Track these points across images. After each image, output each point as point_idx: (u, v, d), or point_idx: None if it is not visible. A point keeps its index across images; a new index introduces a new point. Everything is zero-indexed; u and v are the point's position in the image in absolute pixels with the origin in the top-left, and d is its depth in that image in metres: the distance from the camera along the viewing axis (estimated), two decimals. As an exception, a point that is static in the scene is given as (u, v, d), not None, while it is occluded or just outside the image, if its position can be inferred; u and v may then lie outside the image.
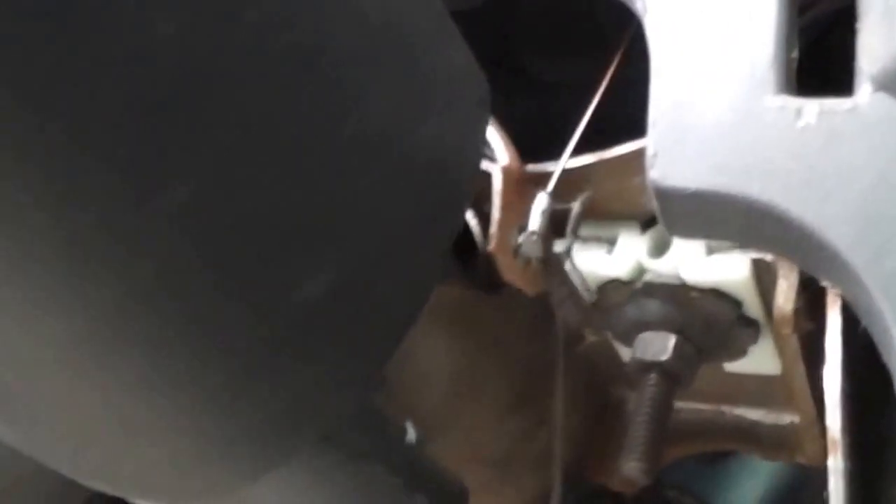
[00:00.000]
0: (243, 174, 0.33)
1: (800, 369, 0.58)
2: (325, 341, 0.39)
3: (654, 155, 0.45)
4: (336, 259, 0.37)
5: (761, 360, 0.61)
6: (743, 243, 0.48)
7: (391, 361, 0.53)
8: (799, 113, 0.43)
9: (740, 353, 0.60)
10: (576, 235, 0.57)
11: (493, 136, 0.58)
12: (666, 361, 0.57)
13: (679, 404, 0.71)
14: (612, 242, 0.58)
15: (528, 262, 0.57)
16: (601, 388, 0.70)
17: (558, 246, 0.58)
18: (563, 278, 0.60)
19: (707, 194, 0.44)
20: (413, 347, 0.56)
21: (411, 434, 0.49)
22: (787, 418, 0.68)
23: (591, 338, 0.66)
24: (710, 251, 0.56)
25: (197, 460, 0.42)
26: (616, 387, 0.71)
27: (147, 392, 0.38)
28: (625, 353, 0.65)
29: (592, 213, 0.59)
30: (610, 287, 0.59)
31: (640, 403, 0.57)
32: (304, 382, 0.39)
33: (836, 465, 0.40)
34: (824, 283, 0.44)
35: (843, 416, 0.40)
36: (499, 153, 0.58)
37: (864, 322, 0.42)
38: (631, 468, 0.54)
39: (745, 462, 1.40)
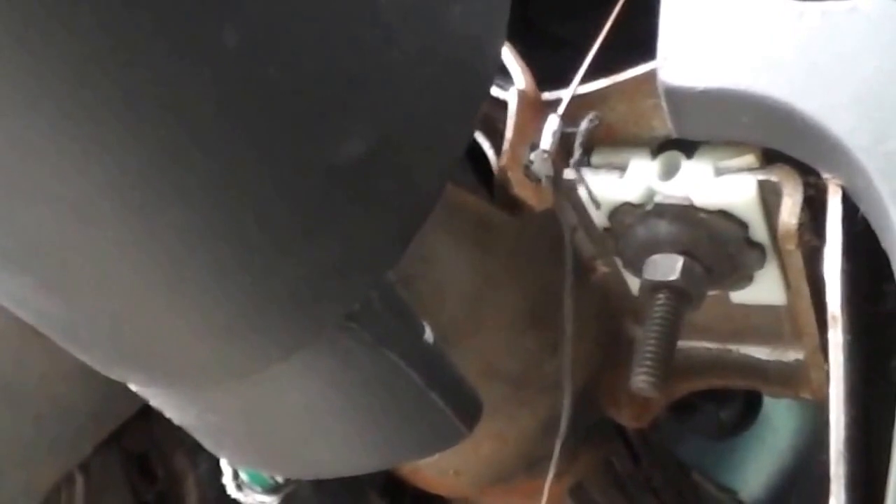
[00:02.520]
0: (289, 26, 0.36)
1: (804, 292, 0.61)
2: (361, 205, 0.42)
3: (665, 58, 0.49)
4: (374, 122, 0.40)
5: (767, 287, 0.63)
6: (750, 139, 0.51)
7: (414, 265, 0.57)
8: (802, 14, 0.46)
9: (746, 279, 0.63)
10: (585, 154, 0.60)
11: (511, 60, 0.61)
12: (675, 281, 0.60)
13: (687, 343, 0.74)
14: (623, 169, 0.61)
15: (538, 181, 0.60)
16: (612, 322, 0.72)
17: (569, 173, 0.61)
18: (575, 204, 0.64)
19: (715, 92, 0.47)
20: (436, 254, 0.59)
21: (429, 334, 0.52)
22: (793, 356, 0.71)
23: (602, 269, 0.69)
24: (718, 173, 0.59)
25: (231, 334, 0.45)
26: (626, 322, 0.73)
27: (187, 253, 0.41)
28: (634, 286, 0.68)
29: (605, 140, 0.62)
30: (621, 211, 0.62)
31: (649, 322, 0.59)
32: (339, 247, 0.42)
33: (835, 338, 0.42)
34: (825, 175, 0.47)
35: (843, 294, 0.43)
36: (516, 77, 0.61)
37: (863, 208, 0.45)
38: (640, 381, 0.57)
39: (755, 441, 1.43)
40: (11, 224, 0.39)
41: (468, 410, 0.54)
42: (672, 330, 0.59)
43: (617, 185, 0.61)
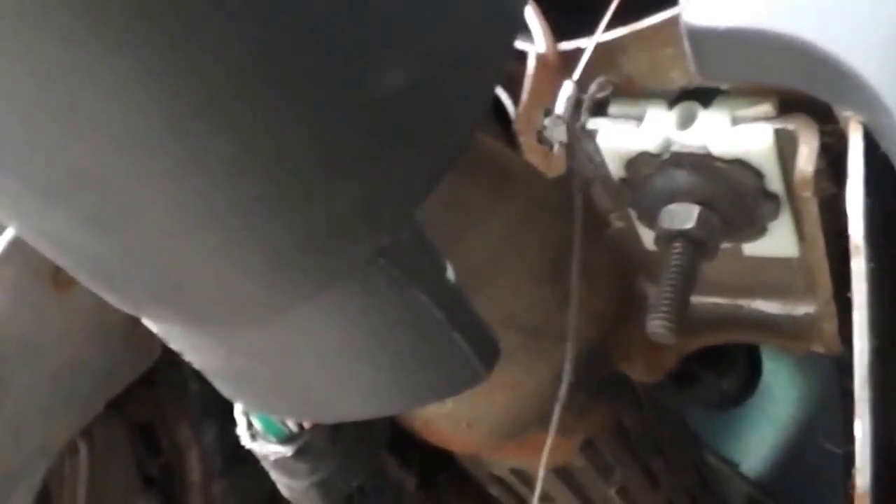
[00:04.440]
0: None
1: (818, 242, 0.62)
2: (399, 139, 0.43)
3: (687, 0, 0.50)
4: (415, 55, 0.41)
5: (780, 239, 0.65)
6: (773, 80, 0.52)
7: (439, 209, 0.58)
8: (825, -46, 0.47)
9: (760, 230, 0.64)
10: (596, 113, 0.61)
11: (534, 20, 0.62)
12: (691, 229, 0.61)
13: (699, 299, 0.75)
14: (640, 119, 0.63)
15: (550, 146, 0.61)
16: (625, 278, 0.74)
17: (589, 123, 0.62)
18: (591, 156, 0.65)
19: (738, 32, 0.48)
20: (460, 199, 0.60)
21: (451, 273, 0.53)
22: (803, 309, 0.72)
23: (616, 224, 0.70)
24: (735, 122, 0.60)
25: (268, 267, 0.46)
26: (639, 279, 0.75)
27: (230, 185, 0.42)
28: (648, 241, 0.69)
29: (623, 91, 0.63)
30: (638, 161, 0.63)
31: (665, 269, 0.61)
32: (376, 180, 0.43)
33: (858, 266, 0.44)
34: (847, 113, 0.48)
35: (866, 226, 0.44)
36: (536, 38, 0.62)
37: (884, 145, 0.46)
38: (655, 325, 0.58)
39: (756, 412, 1.45)
40: (56, 155, 0.40)
41: (487, 352, 0.55)
42: (687, 278, 0.60)
43: (634, 134, 0.62)
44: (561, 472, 0.81)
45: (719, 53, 0.49)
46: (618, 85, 0.63)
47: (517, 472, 0.81)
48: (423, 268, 0.50)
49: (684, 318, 0.59)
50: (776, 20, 0.47)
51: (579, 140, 0.58)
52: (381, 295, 0.49)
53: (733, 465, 1.31)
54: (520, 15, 0.46)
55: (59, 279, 0.76)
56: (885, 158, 0.46)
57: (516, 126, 0.58)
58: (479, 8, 0.43)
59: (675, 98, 0.63)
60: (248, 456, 1.07)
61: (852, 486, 0.42)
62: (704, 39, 0.49)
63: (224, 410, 1.08)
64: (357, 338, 0.51)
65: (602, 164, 0.64)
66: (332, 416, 0.61)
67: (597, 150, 0.63)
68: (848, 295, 0.48)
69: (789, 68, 0.48)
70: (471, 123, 0.46)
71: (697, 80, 0.62)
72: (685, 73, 0.62)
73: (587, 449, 0.80)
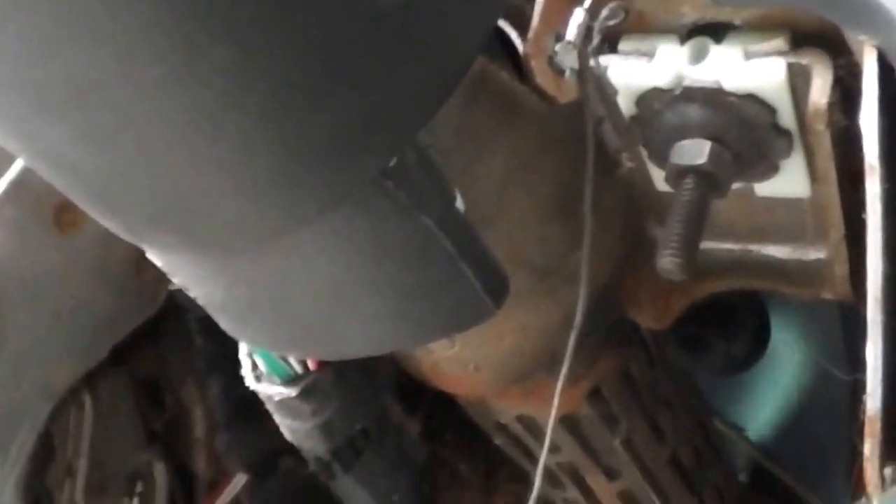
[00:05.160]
0: None
1: (831, 178, 0.62)
2: (404, 52, 0.42)
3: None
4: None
5: (792, 178, 0.64)
6: (787, 2, 0.51)
7: (447, 137, 0.57)
8: None
9: (772, 168, 0.63)
10: (607, 43, 0.60)
11: None
12: (703, 165, 0.60)
13: (708, 244, 0.75)
14: (651, 55, 0.62)
15: (561, 72, 0.60)
16: (636, 221, 0.73)
17: (601, 59, 0.61)
18: (603, 94, 0.64)
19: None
20: (468, 129, 0.59)
21: (460, 203, 0.52)
22: (814, 255, 0.71)
23: (627, 164, 0.69)
24: (748, 56, 0.59)
25: (271, 185, 0.45)
26: (649, 222, 0.74)
27: (231, 97, 0.41)
28: (659, 182, 0.69)
29: (634, 28, 0.62)
30: (649, 96, 0.62)
31: (676, 206, 0.60)
32: (380, 94, 0.43)
33: (873, 188, 0.43)
34: (862, 37, 0.47)
35: (880, 146, 0.43)
36: None
37: (902, 66, 0.45)
38: (665, 262, 0.57)
39: (762, 377, 1.44)
40: (54, 67, 0.40)
41: (496, 287, 0.54)
42: (699, 214, 0.60)
43: (645, 70, 0.61)
44: (567, 421, 0.80)
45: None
46: (629, 21, 0.62)
47: (523, 420, 0.81)
48: (430, 194, 0.50)
49: (695, 256, 0.58)
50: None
51: (590, 68, 0.57)
52: (387, 220, 0.49)
53: (739, 430, 1.31)
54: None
55: (61, 220, 0.75)
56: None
57: (526, 50, 0.57)
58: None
59: (686, 33, 0.62)
60: (252, 411, 1.07)
61: (863, 411, 0.42)
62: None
63: (229, 365, 1.08)
64: (361, 266, 0.51)
65: (614, 99, 0.63)
66: (335, 352, 0.60)
67: (608, 83, 0.62)
68: (859, 236, 0.48)
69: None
70: (476, 45, 0.45)
71: (709, 15, 0.61)
72: (696, 8, 0.61)
73: (594, 398, 0.80)
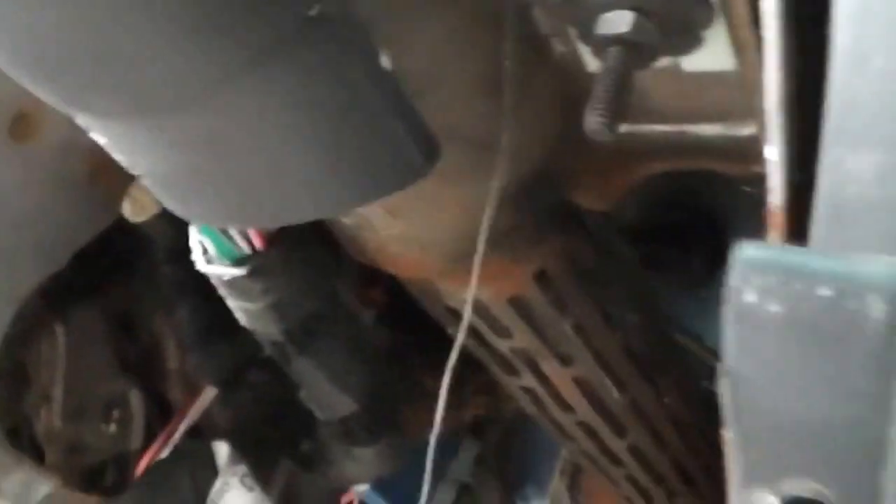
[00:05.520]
0: None
1: (753, 47, 0.64)
2: None
3: None
4: None
5: (717, 50, 0.66)
6: None
7: (379, 3, 0.59)
8: None
9: (697, 39, 0.66)
10: None
11: None
12: (627, 33, 0.62)
13: (644, 127, 0.77)
14: (572, -71, 0.64)
15: None
16: (572, 108, 0.75)
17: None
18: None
19: None
20: None
21: (386, 61, 0.54)
22: (745, 131, 0.74)
23: (559, 48, 0.72)
24: (667, -76, 0.61)
25: (196, 35, 0.47)
26: (585, 108, 0.76)
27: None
28: (591, 65, 0.71)
29: None
30: (573, -29, 0.64)
31: (602, 72, 0.62)
32: None
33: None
34: None
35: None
36: None
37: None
38: (591, 122, 0.60)
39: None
40: None
41: (427, 146, 0.57)
42: (623, 80, 0.62)
43: (567, -56, 0.63)
44: (515, 303, 0.83)
45: None
46: None
47: (474, 304, 0.83)
48: (355, 47, 0.52)
49: (619, 117, 0.61)
50: None
51: None
52: (315, 73, 0.51)
53: (698, 339, 1.34)
54: None
55: (16, 130, 0.77)
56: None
57: None
58: None
59: None
60: (218, 329, 1.10)
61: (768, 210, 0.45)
62: None
63: (195, 290, 1.10)
64: (293, 124, 0.53)
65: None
66: (275, 218, 0.62)
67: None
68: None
69: None
70: None
71: None
72: None
73: (541, 280, 0.82)
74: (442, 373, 1.21)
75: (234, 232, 0.69)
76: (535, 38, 0.70)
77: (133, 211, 0.97)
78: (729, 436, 0.40)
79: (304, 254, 0.72)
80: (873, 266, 0.31)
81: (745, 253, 0.38)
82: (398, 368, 1.02)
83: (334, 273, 0.77)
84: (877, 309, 0.31)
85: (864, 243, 0.39)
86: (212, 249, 0.69)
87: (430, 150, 0.57)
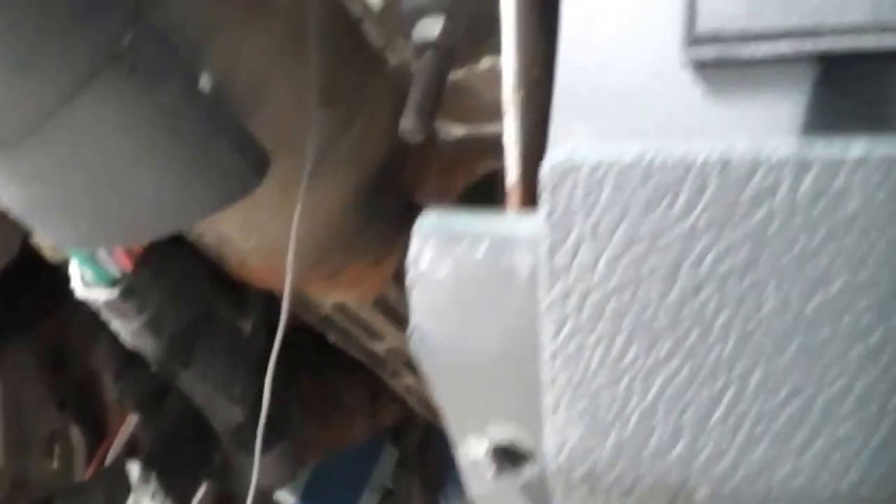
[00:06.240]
0: None
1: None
2: None
3: None
4: None
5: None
6: None
7: (203, 31, 0.64)
8: None
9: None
10: None
11: None
12: (437, 38, 0.68)
13: (479, 127, 0.83)
14: (379, -51, 0.70)
15: None
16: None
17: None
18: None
19: None
20: (221, 24, 0.66)
21: (205, 82, 0.59)
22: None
23: (392, 59, 0.78)
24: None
25: (12, 68, 0.52)
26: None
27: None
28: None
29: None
30: (387, -14, 0.70)
31: (415, 77, 0.68)
32: None
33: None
34: None
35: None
36: None
37: None
38: (405, 124, 0.66)
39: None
40: None
41: (255, 160, 0.62)
42: (435, 84, 0.68)
43: (377, -39, 0.69)
44: (380, 305, 0.88)
45: None
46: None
47: (341, 309, 0.89)
48: (171, 73, 0.57)
49: (430, 120, 0.67)
50: None
51: None
52: (131, 100, 0.56)
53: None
54: None
55: None
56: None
57: None
58: None
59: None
60: (137, 357, 1.14)
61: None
62: None
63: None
64: (119, 147, 0.58)
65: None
66: (124, 237, 0.68)
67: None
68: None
69: None
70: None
71: None
72: None
73: (401, 279, 0.87)
74: (360, 387, 1.26)
75: (105, 256, 0.75)
76: (369, 50, 0.76)
77: (50, 252, 1.02)
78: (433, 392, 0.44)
79: (175, 271, 0.77)
80: (522, 225, 0.37)
81: (422, 223, 0.43)
82: (282, 375, 1.07)
83: (208, 287, 0.82)
84: (523, 263, 0.36)
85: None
86: (88, 275, 0.75)
87: (258, 164, 0.63)
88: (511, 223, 0.38)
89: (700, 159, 0.30)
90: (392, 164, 0.79)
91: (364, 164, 0.76)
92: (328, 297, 0.86)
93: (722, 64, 0.44)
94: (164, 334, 0.78)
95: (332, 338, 0.92)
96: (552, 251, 0.33)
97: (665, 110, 0.45)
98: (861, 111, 0.44)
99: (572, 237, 0.32)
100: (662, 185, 0.31)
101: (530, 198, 0.50)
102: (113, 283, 0.74)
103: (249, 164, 0.63)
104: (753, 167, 0.30)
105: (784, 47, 0.43)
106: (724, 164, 0.30)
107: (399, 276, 0.87)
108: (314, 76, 0.66)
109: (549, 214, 0.33)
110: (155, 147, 0.60)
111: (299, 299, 0.87)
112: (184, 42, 0.60)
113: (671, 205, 0.31)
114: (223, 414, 0.86)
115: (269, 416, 0.85)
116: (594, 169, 0.32)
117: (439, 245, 0.39)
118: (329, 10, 0.72)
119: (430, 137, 0.82)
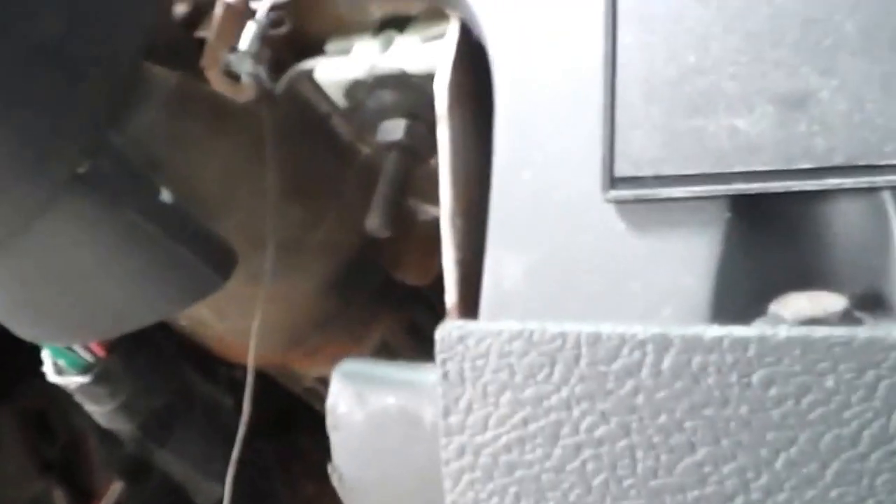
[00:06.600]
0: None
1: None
2: (65, 75, 0.55)
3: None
4: (54, 9, 0.53)
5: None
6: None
7: (166, 145, 0.69)
8: None
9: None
10: (267, 44, 0.71)
11: None
12: (401, 139, 0.73)
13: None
14: (350, 51, 0.75)
15: (237, 78, 0.71)
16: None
17: (307, 63, 0.75)
18: (322, 95, 0.77)
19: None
20: (183, 137, 0.72)
21: (167, 195, 0.65)
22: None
23: (364, 150, 0.82)
24: (425, 41, 0.72)
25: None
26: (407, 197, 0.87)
27: None
28: (394, 161, 0.82)
29: (337, 30, 0.75)
30: (353, 88, 0.75)
31: (382, 175, 0.73)
32: (51, 113, 0.55)
33: (443, 132, 0.56)
34: (450, 12, 0.61)
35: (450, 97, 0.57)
36: None
37: (476, 32, 0.59)
38: (371, 221, 0.71)
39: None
40: None
41: (221, 260, 0.67)
42: (399, 181, 0.73)
43: (344, 65, 0.74)
44: None
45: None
46: (329, 24, 0.75)
47: (323, 381, 0.93)
48: (130, 191, 0.62)
49: (393, 216, 0.72)
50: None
51: (261, 66, 0.70)
52: (91, 219, 0.61)
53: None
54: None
55: None
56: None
57: (202, 63, 0.69)
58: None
59: (378, 28, 0.75)
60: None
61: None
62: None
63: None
64: (85, 258, 0.63)
65: (330, 98, 0.76)
66: (90, 334, 0.73)
67: (315, 85, 0.75)
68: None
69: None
70: (134, 56, 0.58)
71: (392, 10, 0.74)
72: (381, 5, 0.74)
73: (383, 351, 0.91)
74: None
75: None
76: (339, 144, 0.81)
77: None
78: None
79: (148, 354, 0.82)
80: (428, 377, 0.41)
81: (340, 368, 0.48)
82: (258, 450, 1.10)
83: (186, 365, 0.87)
84: (428, 412, 0.40)
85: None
86: (61, 362, 0.79)
87: (223, 265, 0.68)
88: (419, 374, 0.43)
89: (573, 335, 0.34)
90: (367, 249, 0.83)
91: (337, 253, 0.80)
92: (309, 371, 0.91)
93: (641, 201, 0.49)
94: (138, 416, 0.82)
95: (318, 407, 0.97)
96: (447, 411, 0.37)
97: (589, 244, 0.50)
98: (771, 244, 0.49)
99: (464, 399, 0.36)
100: (541, 356, 0.35)
101: (469, 319, 0.55)
102: (85, 369, 0.79)
103: (214, 266, 0.67)
104: (620, 343, 0.34)
105: (698, 189, 0.48)
106: (595, 340, 0.34)
107: (382, 348, 0.91)
108: (271, 185, 0.71)
109: (444, 378, 0.37)
110: (118, 256, 0.64)
111: (282, 372, 0.91)
112: (146, 159, 0.65)
113: (549, 375, 0.35)
114: (203, 490, 0.91)
115: (254, 490, 0.89)
116: (480, 340, 0.36)
117: (355, 392, 0.44)
118: (294, 111, 0.77)
119: (409, 220, 0.87)
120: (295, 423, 1.01)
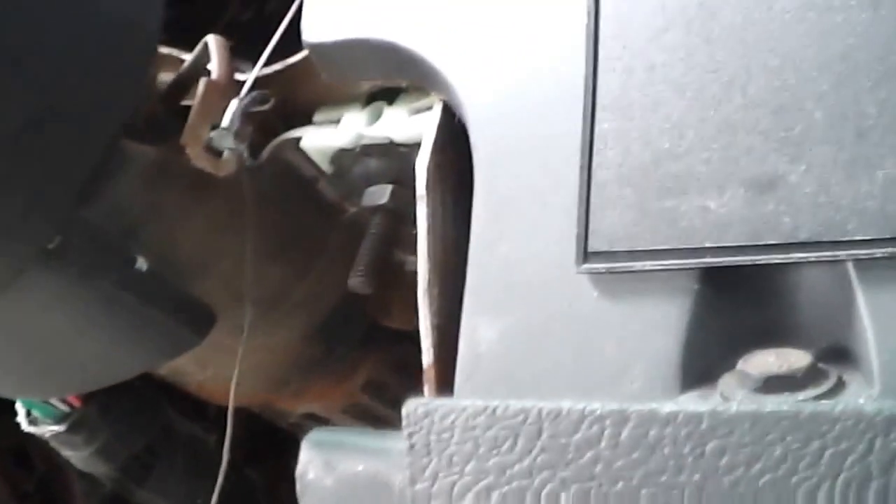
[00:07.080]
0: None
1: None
2: (35, 161, 0.57)
3: (308, 22, 0.66)
4: (34, 97, 0.56)
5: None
6: (382, 77, 0.68)
7: (144, 213, 0.72)
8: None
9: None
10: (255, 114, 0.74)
11: (215, 51, 0.75)
12: (386, 203, 0.76)
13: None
14: (338, 121, 0.78)
15: (219, 154, 0.73)
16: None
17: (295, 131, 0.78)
18: (308, 161, 0.80)
19: (346, 43, 0.64)
20: (161, 205, 0.74)
21: (142, 263, 0.67)
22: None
23: (350, 209, 0.86)
24: (412, 112, 0.76)
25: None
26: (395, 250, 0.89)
27: None
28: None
29: (327, 100, 0.79)
30: (339, 156, 0.78)
31: (367, 237, 0.77)
32: (22, 196, 0.57)
33: (422, 211, 0.60)
34: (434, 92, 0.64)
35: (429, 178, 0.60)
36: (213, 67, 0.75)
37: (458, 113, 0.62)
38: (352, 282, 0.74)
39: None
40: None
41: (197, 321, 0.70)
42: (384, 243, 0.76)
43: (331, 135, 0.77)
44: (352, 410, 0.95)
45: (335, 61, 0.66)
46: (320, 93, 0.79)
47: (311, 417, 0.96)
48: (102, 263, 0.65)
49: (376, 277, 0.75)
50: (376, 31, 0.63)
51: (243, 143, 0.73)
52: (64, 290, 0.64)
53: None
54: (147, 46, 0.61)
55: None
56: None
57: (183, 140, 0.70)
58: (98, 50, 0.58)
59: (366, 99, 0.78)
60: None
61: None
62: (322, 51, 0.65)
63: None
64: (58, 324, 0.66)
65: (316, 164, 0.80)
66: (65, 390, 0.76)
67: (301, 152, 0.78)
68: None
69: (391, 68, 0.64)
70: (109, 138, 0.61)
71: (386, 83, 0.77)
72: (370, 80, 0.77)
73: (370, 388, 0.94)
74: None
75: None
76: (324, 204, 0.84)
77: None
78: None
79: (127, 400, 0.84)
80: (396, 444, 0.43)
81: (309, 437, 0.50)
82: (246, 477, 1.12)
83: (165, 408, 0.89)
84: (398, 479, 0.42)
85: (493, 390, 0.51)
86: (35, 412, 0.82)
87: (200, 324, 0.71)
88: (388, 441, 0.45)
89: (534, 410, 0.37)
90: (351, 301, 0.86)
91: (321, 305, 0.83)
92: (295, 408, 0.94)
93: (614, 272, 0.52)
94: (116, 460, 0.85)
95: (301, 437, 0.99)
96: (413, 480, 0.40)
97: (562, 310, 0.53)
98: (739, 306, 0.51)
99: (430, 469, 0.39)
100: (504, 430, 0.38)
101: (445, 380, 0.57)
102: (60, 419, 0.81)
103: (190, 326, 0.70)
104: (580, 418, 0.37)
105: (669, 263, 0.51)
106: (556, 415, 0.37)
107: (368, 386, 0.94)
108: (250, 250, 0.74)
109: (410, 449, 0.40)
110: (92, 321, 0.67)
111: (270, 409, 0.94)
112: (122, 227, 0.68)
113: (513, 447, 0.38)
114: (186, 525, 0.92)
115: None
116: (445, 415, 0.39)
117: (324, 460, 0.46)
118: (279, 172, 0.80)
119: (396, 270, 0.90)
120: (285, 447, 1.03)
